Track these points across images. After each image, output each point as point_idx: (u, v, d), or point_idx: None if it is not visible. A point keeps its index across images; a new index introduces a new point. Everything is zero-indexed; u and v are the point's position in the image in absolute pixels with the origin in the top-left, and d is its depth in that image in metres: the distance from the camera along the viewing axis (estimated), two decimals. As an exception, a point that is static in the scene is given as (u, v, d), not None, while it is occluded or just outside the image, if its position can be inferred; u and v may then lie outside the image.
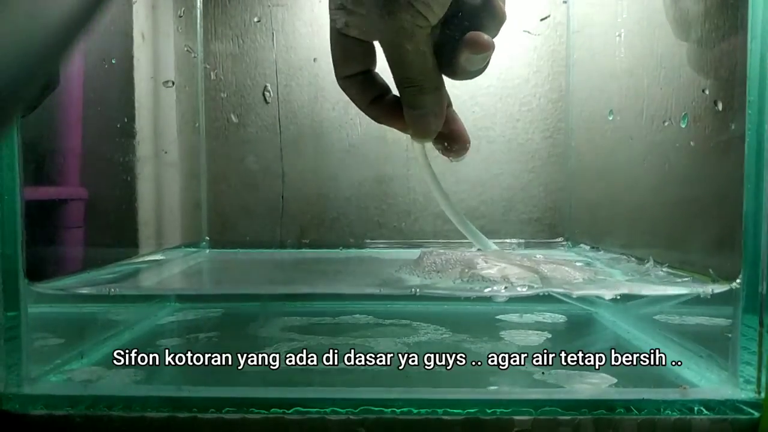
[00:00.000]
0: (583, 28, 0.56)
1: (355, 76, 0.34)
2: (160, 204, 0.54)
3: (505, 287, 0.35)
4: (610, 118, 0.48)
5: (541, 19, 0.58)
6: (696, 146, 0.35)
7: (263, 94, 0.59)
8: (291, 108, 0.59)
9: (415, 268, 0.41)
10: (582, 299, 0.41)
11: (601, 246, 0.52)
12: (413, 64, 0.31)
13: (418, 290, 0.37)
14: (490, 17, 0.32)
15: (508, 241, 0.59)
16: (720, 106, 0.31)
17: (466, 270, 0.39)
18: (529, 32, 0.59)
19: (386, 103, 0.35)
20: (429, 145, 0.38)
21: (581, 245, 0.55)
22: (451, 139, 0.36)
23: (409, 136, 0.36)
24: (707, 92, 0.33)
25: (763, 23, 0.26)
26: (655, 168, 0.41)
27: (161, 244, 0.54)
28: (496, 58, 0.60)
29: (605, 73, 0.50)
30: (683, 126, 0.36)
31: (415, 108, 0.33)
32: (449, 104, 0.36)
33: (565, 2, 0.58)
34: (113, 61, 0.46)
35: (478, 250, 0.43)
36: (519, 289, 0.34)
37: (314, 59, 0.58)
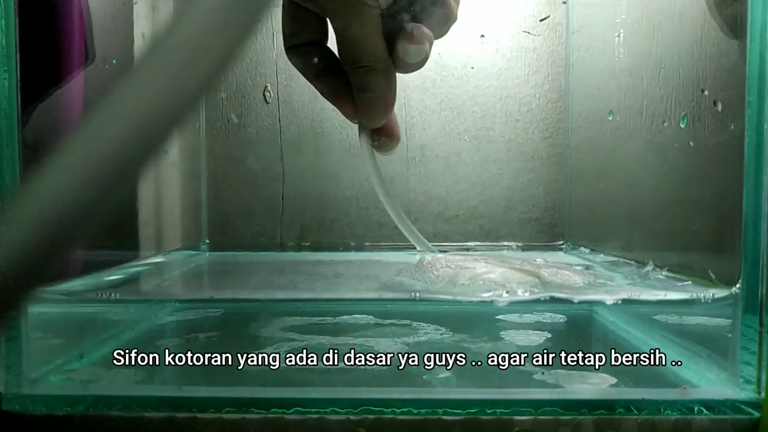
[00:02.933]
0: (582, 29, 0.56)
1: (304, 46, 0.34)
2: (161, 204, 0.54)
3: (506, 292, 0.35)
4: (610, 118, 0.48)
5: (541, 20, 0.58)
6: (695, 146, 0.35)
7: (263, 95, 0.59)
8: (291, 108, 0.59)
9: (415, 271, 0.41)
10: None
11: (600, 247, 0.52)
12: (361, 44, 0.31)
13: (418, 295, 0.37)
14: (440, 15, 0.32)
15: (506, 243, 0.59)
16: (719, 107, 0.31)
17: (467, 274, 0.39)
18: (528, 33, 0.59)
19: (334, 79, 0.34)
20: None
21: (581, 248, 0.55)
22: (382, 132, 0.36)
23: (356, 125, 0.36)
24: (707, 92, 0.33)
25: (762, 23, 0.26)
26: (654, 168, 0.41)
27: (161, 246, 0.54)
28: (496, 59, 0.60)
29: (604, 73, 0.50)
30: (683, 126, 0.36)
31: (365, 90, 0.33)
32: None
33: (564, 3, 0.58)
34: (114, 62, 0.46)
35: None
36: (520, 293, 0.34)
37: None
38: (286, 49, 0.34)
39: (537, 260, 0.46)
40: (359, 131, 0.36)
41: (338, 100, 0.34)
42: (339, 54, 0.33)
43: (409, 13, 0.32)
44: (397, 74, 0.34)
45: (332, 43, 0.33)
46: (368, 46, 0.31)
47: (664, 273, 0.38)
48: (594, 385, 0.30)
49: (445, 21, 0.33)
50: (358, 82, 0.33)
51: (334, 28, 0.32)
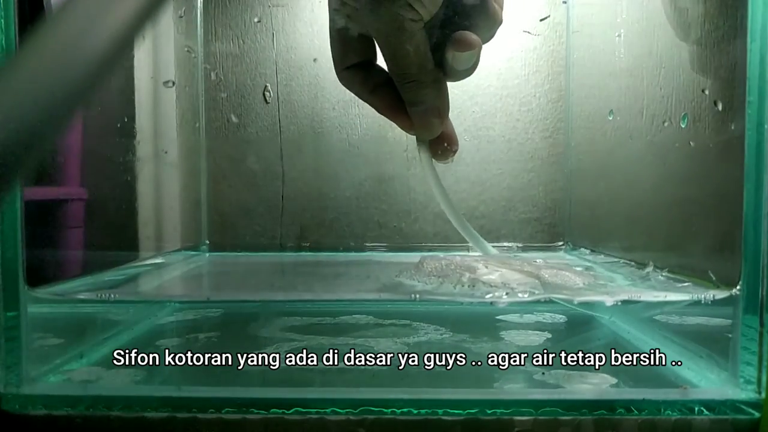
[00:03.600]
0: (582, 28, 0.56)
1: (355, 67, 0.34)
2: (160, 204, 0.54)
3: (507, 293, 0.35)
4: (610, 118, 0.48)
5: (541, 20, 0.58)
6: (696, 146, 0.35)
7: (263, 94, 0.59)
8: (291, 108, 0.59)
9: (415, 272, 0.41)
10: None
11: (600, 248, 0.51)
12: (407, 58, 0.31)
13: (418, 296, 0.37)
14: (485, 19, 0.32)
15: (507, 244, 0.59)
16: (720, 106, 0.31)
17: (467, 275, 0.39)
18: (528, 32, 0.59)
19: (388, 95, 0.34)
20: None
21: (581, 249, 0.55)
22: (440, 141, 0.36)
23: (414, 136, 0.36)
24: (707, 92, 0.33)
25: (763, 24, 0.26)
26: (654, 168, 0.41)
27: (161, 246, 0.54)
28: (496, 59, 0.60)
29: (605, 73, 0.50)
30: (683, 126, 0.36)
31: (416, 104, 0.33)
32: None
33: (564, 2, 0.58)
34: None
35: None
36: (520, 295, 0.34)
37: (314, 59, 0.58)
38: (337, 73, 0.35)
39: (537, 261, 0.45)
40: (417, 142, 0.37)
41: (393, 115, 0.35)
42: (388, 70, 0.33)
43: (455, 21, 0.32)
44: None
45: (381, 60, 0.34)
46: (415, 60, 0.31)
47: (664, 274, 0.38)
48: (594, 386, 0.30)
49: (491, 26, 0.33)
50: (409, 96, 0.33)
51: (379, 45, 0.32)
